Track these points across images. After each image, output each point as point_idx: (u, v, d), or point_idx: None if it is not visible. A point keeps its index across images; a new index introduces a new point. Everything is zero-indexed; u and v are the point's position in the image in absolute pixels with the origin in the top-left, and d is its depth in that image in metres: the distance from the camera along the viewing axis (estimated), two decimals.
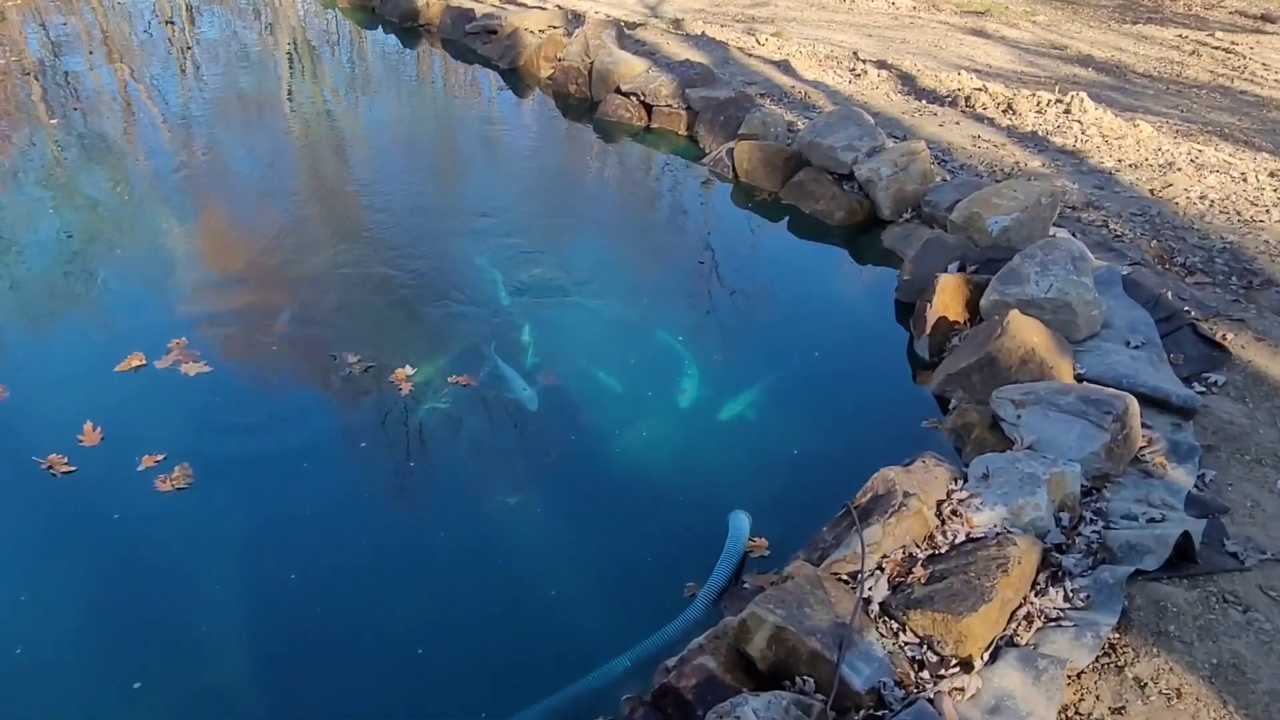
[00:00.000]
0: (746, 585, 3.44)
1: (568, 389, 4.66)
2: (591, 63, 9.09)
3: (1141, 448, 3.87)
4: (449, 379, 4.63)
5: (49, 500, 3.82)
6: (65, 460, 3.96)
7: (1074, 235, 5.83)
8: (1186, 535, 3.18)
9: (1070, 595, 3.08)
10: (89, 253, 5.87)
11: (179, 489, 3.86)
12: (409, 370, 4.64)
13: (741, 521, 3.67)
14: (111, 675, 3.10)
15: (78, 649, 3.20)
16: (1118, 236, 5.86)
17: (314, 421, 4.41)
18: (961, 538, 3.30)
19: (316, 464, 4.09)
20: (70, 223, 6.28)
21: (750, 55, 10.10)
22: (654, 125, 8.37)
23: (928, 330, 4.86)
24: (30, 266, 5.65)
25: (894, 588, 3.15)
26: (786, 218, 6.67)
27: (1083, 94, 8.28)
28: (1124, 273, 5.18)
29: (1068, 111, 8.23)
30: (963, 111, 8.41)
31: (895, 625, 3.01)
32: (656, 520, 3.82)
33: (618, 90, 8.62)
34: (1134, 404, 3.81)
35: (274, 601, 3.40)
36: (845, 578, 3.23)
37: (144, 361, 4.64)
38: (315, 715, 3.01)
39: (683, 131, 8.20)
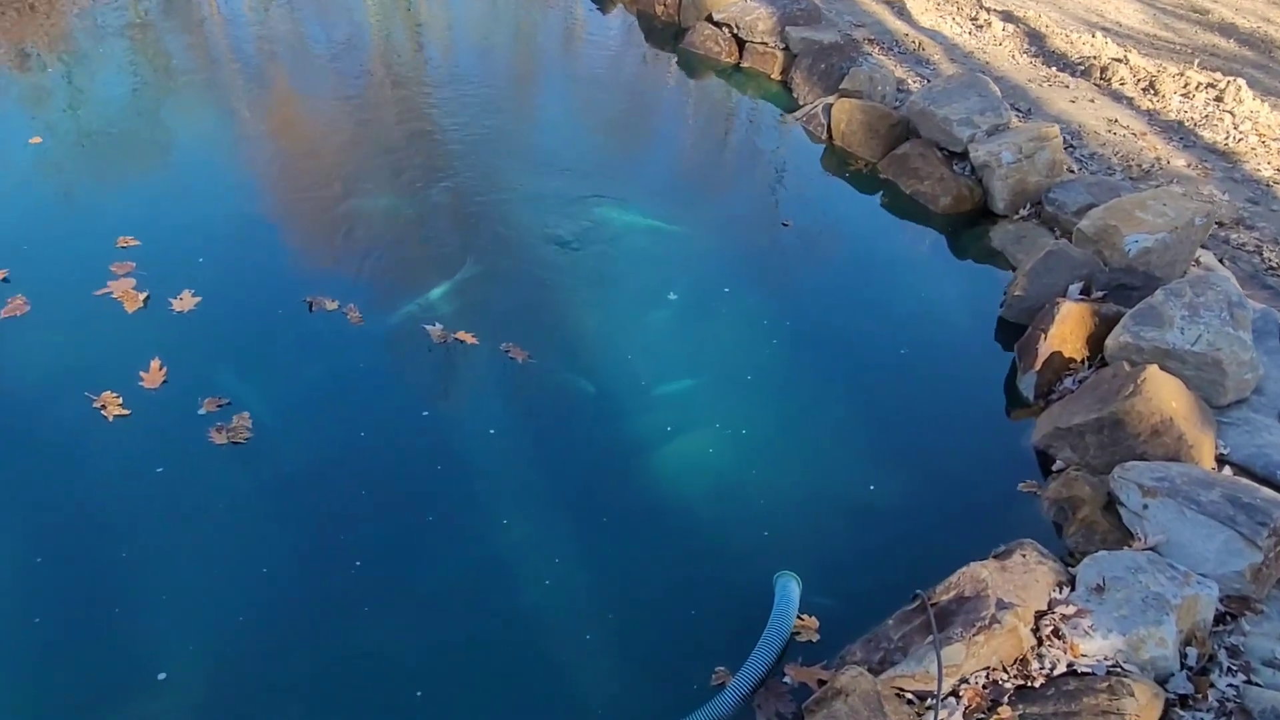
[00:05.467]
0: (787, 679, 2.87)
1: (581, 392, 4.03)
2: None
3: None
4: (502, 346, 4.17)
5: None
6: None
7: (1221, 261, 4.96)
8: None
9: None
10: None
11: None
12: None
13: (791, 591, 3.07)
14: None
15: None
16: (1273, 269, 4.97)
17: None
18: (1062, 668, 2.68)
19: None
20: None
21: None
22: (745, 64, 7.47)
23: (1037, 366, 4.12)
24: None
25: None
26: (881, 194, 5.84)
27: (1241, 81, 7.16)
28: None
29: (1219, 100, 7.14)
30: (1097, 85, 7.36)
31: None
32: (686, 576, 3.22)
33: (709, 19, 7.70)
34: None
35: None
36: (911, 697, 2.65)
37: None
38: None
39: (776, 75, 7.29)
